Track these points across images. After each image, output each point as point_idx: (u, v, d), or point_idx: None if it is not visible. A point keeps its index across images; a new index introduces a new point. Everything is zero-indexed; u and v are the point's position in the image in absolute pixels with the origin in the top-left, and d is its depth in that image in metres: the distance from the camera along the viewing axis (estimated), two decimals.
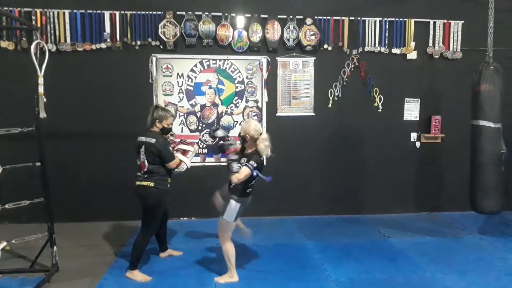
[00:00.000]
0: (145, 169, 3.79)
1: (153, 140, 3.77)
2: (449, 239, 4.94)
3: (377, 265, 4.18)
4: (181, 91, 5.53)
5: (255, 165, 3.49)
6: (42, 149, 3.85)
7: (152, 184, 3.78)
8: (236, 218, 3.69)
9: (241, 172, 3.49)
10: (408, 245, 4.72)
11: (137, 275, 3.86)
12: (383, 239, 4.98)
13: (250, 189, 3.70)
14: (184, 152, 3.99)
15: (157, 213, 3.87)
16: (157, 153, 3.76)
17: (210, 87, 5.57)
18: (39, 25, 5.10)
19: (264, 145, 3.57)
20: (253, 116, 5.65)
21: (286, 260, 4.29)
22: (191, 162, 4.07)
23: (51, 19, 5.19)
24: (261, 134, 3.62)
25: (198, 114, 5.59)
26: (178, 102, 5.53)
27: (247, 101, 5.65)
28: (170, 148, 3.90)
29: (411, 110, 5.88)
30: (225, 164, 5.57)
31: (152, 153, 3.77)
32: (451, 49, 5.80)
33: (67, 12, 5.20)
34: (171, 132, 4.21)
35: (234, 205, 3.61)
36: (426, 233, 5.13)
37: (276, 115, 5.68)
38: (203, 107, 5.59)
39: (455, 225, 5.48)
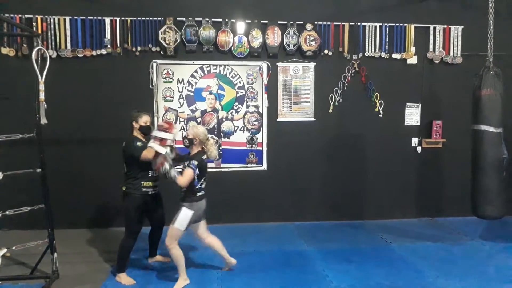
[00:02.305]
0: (124, 172, 3.92)
1: (124, 143, 3.87)
2: (451, 245, 4.92)
3: (379, 271, 4.16)
4: (181, 96, 5.53)
5: (196, 163, 3.60)
6: (42, 155, 3.85)
7: (124, 187, 3.88)
8: (187, 227, 3.69)
9: (185, 174, 3.57)
10: (410, 251, 4.69)
11: (123, 278, 3.90)
12: (385, 244, 4.95)
13: (201, 193, 3.74)
14: (162, 141, 3.63)
15: (131, 216, 3.87)
16: (125, 154, 3.83)
17: (210, 93, 5.58)
18: (40, 31, 5.12)
19: (214, 148, 3.79)
20: (254, 121, 5.65)
21: (287, 267, 4.27)
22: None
23: (52, 26, 5.20)
24: (208, 139, 3.81)
25: (199, 120, 5.59)
26: (179, 107, 5.54)
27: (247, 106, 5.65)
28: (136, 143, 3.77)
29: (412, 115, 5.88)
30: (225, 170, 5.63)
31: (123, 155, 3.86)
32: (451, 54, 5.80)
33: (67, 18, 5.22)
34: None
35: (185, 213, 3.65)
36: (428, 239, 5.11)
37: (277, 120, 5.68)
38: (203, 112, 5.59)
39: (457, 230, 5.46)
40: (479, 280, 3.95)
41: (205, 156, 3.73)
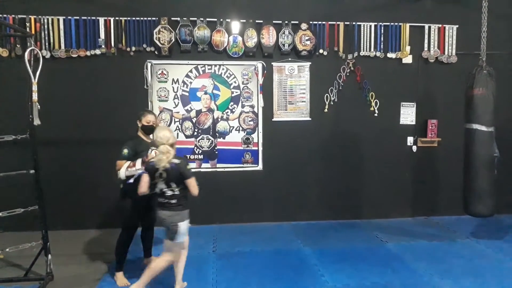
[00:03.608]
0: None
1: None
2: (446, 243, 4.93)
3: (374, 270, 4.16)
4: (176, 96, 5.52)
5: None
6: (36, 157, 3.82)
7: (122, 185, 3.85)
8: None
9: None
10: (405, 250, 4.70)
11: (118, 278, 3.89)
12: (380, 244, 4.96)
13: (162, 200, 3.48)
14: (133, 165, 3.71)
15: (126, 214, 3.93)
16: None
17: (205, 93, 5.56)
18: (33, 32, 5.10)
19: (156, 155, 3.42)
20: (249, 121, 5.64)
21: (283, 266, 4.26)
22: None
23: (45, 26, 5.18)
24: (161, 144, 3.40)
25: (194, 120, 5.57)
26: (174, 107, 5.52)
27: (243, 106, 5.64)
28: (123, 149, 3.76)
29: (407, 114, 5.89)
30: (221, 170, 5.62)
31: None
32: (446, 53, 5.82)
33: (61, 18, 5.19)
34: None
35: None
36: (423, 238, 5.12)
37: (272, 120, 5.67)
38: (198, 112, 5.58)
39: (452, 229, 5.47)
40: (474, 278, 3.96)
41: (152, 160, 3.48)
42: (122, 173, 3.70)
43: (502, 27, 5.73)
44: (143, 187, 3.40)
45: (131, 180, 3.62)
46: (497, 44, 5.56)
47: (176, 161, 3.40)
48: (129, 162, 3.73)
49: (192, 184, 3.42)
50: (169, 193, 3.43)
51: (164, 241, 3.66)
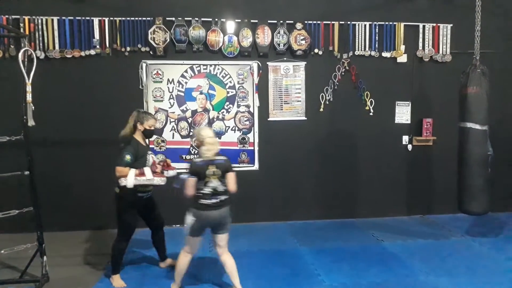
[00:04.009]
0: None
1: (122, 144, 3.74)
2: (442, 242, 4.96)
3: (371, 269, 4.17)
4: (171, 97, 5.51)
5: (188, 169, 3.45)
6: (30, 158, 3.80)
7: (117, 190, 3.75)
8: (193, 234, 3.52)
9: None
10: (401, 249, 4.72)
11: (115, 280, 3.85)
12: (376, 242, 4.97)
13: (205, 201, 3.45)
14: (140, 174, 3.65)
15: (123, 218, 3.78)
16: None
17: (201, 93, 5.56)
18: (27, 32, 5.07)
19: (206, 149, 3.46)
20: (245, 121, 5.64)
21: (279, 266, 4.27)
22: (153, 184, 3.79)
23: (40, 26, 5.15)
24: (204, 138, 3.48)
25: (189, 120, 5.56)
26: (169, 108, 5.51)
27: (238, 106, 5.63)
28: (126, 155, 3.61)
29: (402, 113, 5.91)
30: None
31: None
32: (440, 52, 5.84)
33: (55, 19, 5.17)
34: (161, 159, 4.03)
35: (186, 218, 3.52)
36: (419, 236, 5.14)
37: (268, 119, 5.67)
38: (194, 112, 5.57)
39: (447, 227, 5.50)
40: (470, 276, 3.98)
41: (199, 159, 3.45)
42: (131, 183, 3.57)
43: (496, 26, 5.76)
44: (191, 190, 3.40)
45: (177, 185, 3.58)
46: (491, 43, 5.58)
47: (224, 157, 3.52)
48: (134, 170, 3.60)
49: (235, 180, 3.56)
50: (222, 189, 3.48)
51: (218, 237, 3.63)
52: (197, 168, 3.41)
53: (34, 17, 5.13)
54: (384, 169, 5.91)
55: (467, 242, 4.94)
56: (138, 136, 3.81)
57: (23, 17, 5.10)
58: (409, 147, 5.94)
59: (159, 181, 3.71)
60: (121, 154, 3.63)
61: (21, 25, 5.10)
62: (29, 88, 3.67)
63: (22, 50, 3.69)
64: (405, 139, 5.94)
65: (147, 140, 4.10)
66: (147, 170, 3.67)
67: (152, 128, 3.87)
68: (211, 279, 3.98)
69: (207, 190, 3.42)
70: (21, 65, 3.64)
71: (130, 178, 3.57)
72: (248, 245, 4.86)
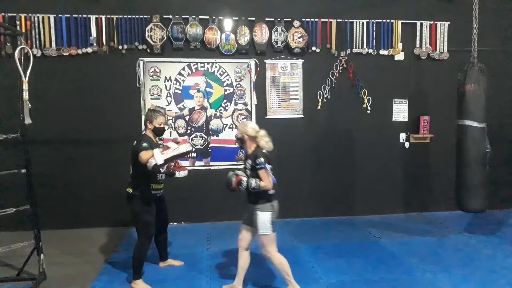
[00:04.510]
0: (130, 174, 3.79)
1: (135, 142, 3.72)
2: (438, 239, 4.97)
3: (368, 266, 4.18)
4: (169, 94, 5.50)
5: (262, 159, 3.29)
6: (27, 156, 3.79)
7: (131, 190, 3.73)
8: (274, 228, 3.42)
9: (263, 177, 3.29)
10: (398, 246, 4.73)
11: (139, 285, 3.75)
12: (374, 240, 4.99)
13: (273, 191, 3.41)
14: (165, 149, 3.71)
15: (142, 218, 3.73)
16: (133, 152, 3.67)
17: (198, 90, 5.55)
18: (23, 30, 5.05)
19: (265, 141, 3.42)
20: (243, 118, 5.63)
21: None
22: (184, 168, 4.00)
23: (36, 24, 5.13)
24: (258, 131, 3.47)
25: (187, 118, 5.56)
26: (166, 105, 5.50)
27: (236, 104, 5.63)
28: (142, 143, 3.61)
29: (400, 111, 5.92)
30: (214, 168, 5.62)
31: (132, 156, 3.71)
32: (438, 49, 5.85)
33: (52, 16, 5.15)
34: (159, 137, 4.06)
35: (263, 218, 3.36)
36: (416, 233, 5.16)
37: (266, 117, 5.67)
38: (191, 110, 5.56)
39: (444, 224, 5.52)
40: (467, 273, 3.99)
41: (264, 150, 3.41)
42: (160, 158, 3.49)
43: (493, 23, 5.76)
44: (271, 181, 3.33)
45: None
46: (488, 41, 5.59)
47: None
48: (157, 149, 3.59)
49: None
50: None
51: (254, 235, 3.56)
52: (268, 156, 3.40)
53: (30, 14, 5.11)
54: (382, 166, 5.92)
55: (464, 240, 4.96)
56: (149, 134, 3.83)
57: (20, 14, 5.08)
58: (407, 144, 5.95)
59: (186, 147, 3.70)
60: (138, 146, 3.61)
61: (18, 22, 5.07)
62: (25, 86, 3.66)
63: (18, 48, 3.68)
64: (403, 136, 5.95)
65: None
66: (169, 143, 3.76)
67: (162, 125, 3.86)
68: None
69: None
70: (18, 63, 3.62)
71: (157, 155, 3.50)
72: None
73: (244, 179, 3.34)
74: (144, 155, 3.52)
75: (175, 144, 3.77)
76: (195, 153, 5.60)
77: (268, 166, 3.31)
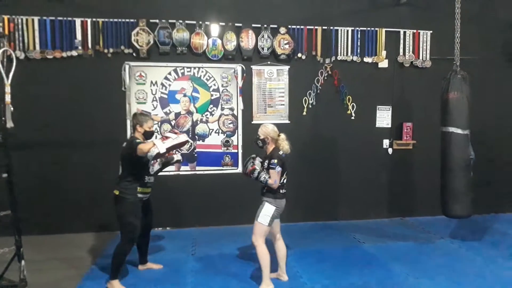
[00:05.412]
0: (118, 175, 3.80)
1: (124, 144, 3.75)
2: (421, 244, 5.04)
3: (352, 271, 4.22)
4: (155, 99, 5.47)
5: (276, 161, 3.62)
6: (9, 160, 3.72)
7: (117, 192, 3.74)
8: (271, 223, 3.71)
9: (272, 176, 3.61)
10: (382, 250, 4.79)
11: (114, 285, 3.75)
12: (357, 244, 5.04)
13: (284, 190, 3.77)
14: (164, 138, 3.72)
15: (128, 221, 3.73)
16: (124, 152, 3.72)
17: (184, 95, 5.54)
18: (6, 32, 4.96)
19: (285, 143, 3.77)
20: (229, 123, 5.65)
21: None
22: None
23: (20, 26, 5.06)
24: (279, 135, 3.79)
25: (173, 122, 5.54)
26: (152, 110, 5.47)
27: (222, 109, 5.64)
28: (135, 140, 3.70)
29: (383, 117, 6.01)
30: (200, 173, 5.61)
31: (121, 156, 3.75)
32: (420, 58, 5.97)
33: (36, 18, 5.08)
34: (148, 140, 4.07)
35: (268, 208, 3.69)
36: (399, 238, 5.23)
37: (252, 123, 5.69)
38: (177, 115, 5.55)
39: (427, 229, 5.60)
40: (449, 278, 4.06)
41: (281, 152, 3.73)
42: (162, 147, 3.56)
43: (474, 32, 5.90)
44: (278, 180, 3.63)
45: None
46: (470, 49, 5.71)
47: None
48: (157, 139, 3.69)
49: None
50: (285, 180, 3.80)
51: (277, 223, 3.94)
52: (283, 160, 3.71)
53: (14, 16, 5.04)
54: (366, 172, 5.99)
55: (446, 244, 5.04)
56: (140, 138, 3.84)
57: (2, 16, 5.00)
58: (390, 150, 6.04)
59: (185, 137, 3.86)
60: (134, 144, 3.64)
61: (0, 24, 4.99)
62: (8, 89, 3.60)
63: (1, 50, 3.63)
64: (386, 142, 6.04)
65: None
66: (168, 133, 3.78)
67: (151, 129, 3.93)
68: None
69: (285, 180, 3.77)
70: (0, 66, 3.57)
71: (159, 144, 3.57)
72: (231, 247, 4.86)
73: (258, 169, 3.67)
74: (144, 146, 3.59)
75: (174, 134, 3.79)
76: (181, 158, 5.56)
77: (278, 169, 3.62)
